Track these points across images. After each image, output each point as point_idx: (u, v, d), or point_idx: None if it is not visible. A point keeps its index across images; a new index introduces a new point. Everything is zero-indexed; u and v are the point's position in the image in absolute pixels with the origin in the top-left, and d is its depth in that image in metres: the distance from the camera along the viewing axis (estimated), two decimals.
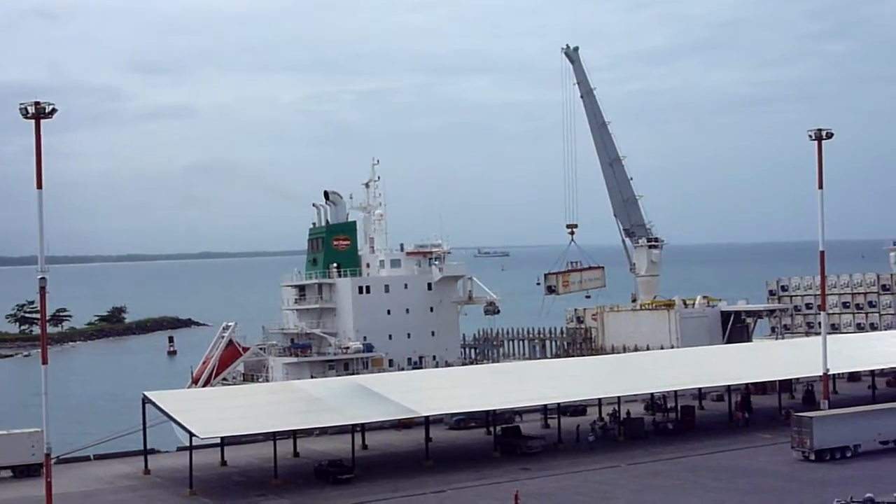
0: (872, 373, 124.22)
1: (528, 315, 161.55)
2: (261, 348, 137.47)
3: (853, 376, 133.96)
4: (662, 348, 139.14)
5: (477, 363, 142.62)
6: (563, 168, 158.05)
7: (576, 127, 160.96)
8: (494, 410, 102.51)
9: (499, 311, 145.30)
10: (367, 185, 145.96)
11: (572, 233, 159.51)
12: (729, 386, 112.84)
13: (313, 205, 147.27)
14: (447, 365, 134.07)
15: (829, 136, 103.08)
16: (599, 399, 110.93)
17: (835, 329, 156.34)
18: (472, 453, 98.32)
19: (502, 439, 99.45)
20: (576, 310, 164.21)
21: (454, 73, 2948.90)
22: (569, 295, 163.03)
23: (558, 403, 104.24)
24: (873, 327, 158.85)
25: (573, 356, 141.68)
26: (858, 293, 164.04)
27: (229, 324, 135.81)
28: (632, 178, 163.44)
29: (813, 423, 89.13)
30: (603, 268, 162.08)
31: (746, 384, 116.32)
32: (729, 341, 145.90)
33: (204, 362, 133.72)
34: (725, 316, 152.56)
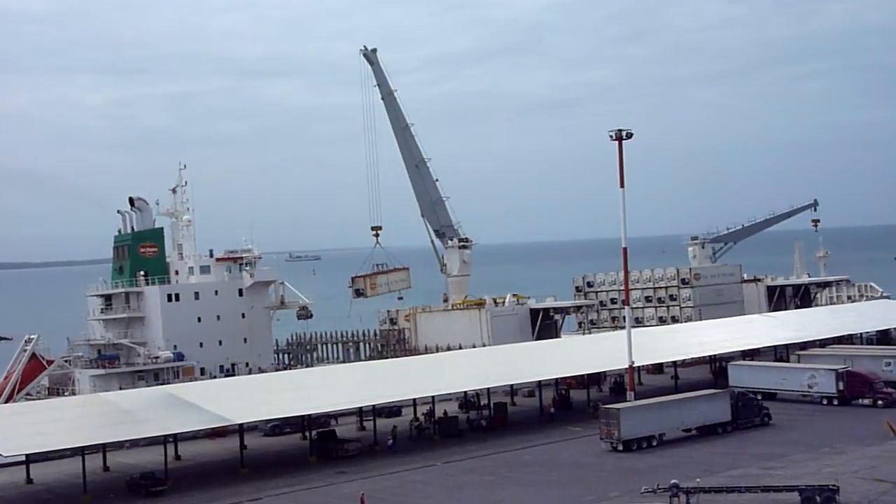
0: (674, 363, 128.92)
1: (341, 318, 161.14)
2: (66, 361, 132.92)
3: (656, 367, 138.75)
4: (475, 347, 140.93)
5: (291, 368, 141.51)
6: (367, 170, 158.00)
7: (379, 129, 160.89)
8: (309, 415, 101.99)
9: (311, 316, 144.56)
10: (174, 191, 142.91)
11: (377, 235, 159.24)
12: (539, 381, 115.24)
13: (118, 212, 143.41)
14: (260, 371, 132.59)
15: (629, 136, 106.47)
16: (414, 399, 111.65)
17: (638, 323, 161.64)
18: (288, 459, 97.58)
19: (318, 444, 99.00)
20: (389, 311, 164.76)
21: (263, 76, 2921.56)
22: (377, 297, 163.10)
23: (373, 405, 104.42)
24: (674, 320, 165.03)
25: (387, 358, 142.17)
26: (660, 287, 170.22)
27: (32, 336, 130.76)
28: (437, 180, 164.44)
29: (620, 415, 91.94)
30: (408, 269, 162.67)
31: (557, 379, 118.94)
32: (538, 338, 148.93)
33: (6, 377, 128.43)
34: (535, 313, 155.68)
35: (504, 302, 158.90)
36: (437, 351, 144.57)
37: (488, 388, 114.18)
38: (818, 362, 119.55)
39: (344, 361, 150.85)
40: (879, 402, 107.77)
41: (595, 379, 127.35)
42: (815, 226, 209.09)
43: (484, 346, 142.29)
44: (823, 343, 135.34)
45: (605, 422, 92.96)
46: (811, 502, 66.47)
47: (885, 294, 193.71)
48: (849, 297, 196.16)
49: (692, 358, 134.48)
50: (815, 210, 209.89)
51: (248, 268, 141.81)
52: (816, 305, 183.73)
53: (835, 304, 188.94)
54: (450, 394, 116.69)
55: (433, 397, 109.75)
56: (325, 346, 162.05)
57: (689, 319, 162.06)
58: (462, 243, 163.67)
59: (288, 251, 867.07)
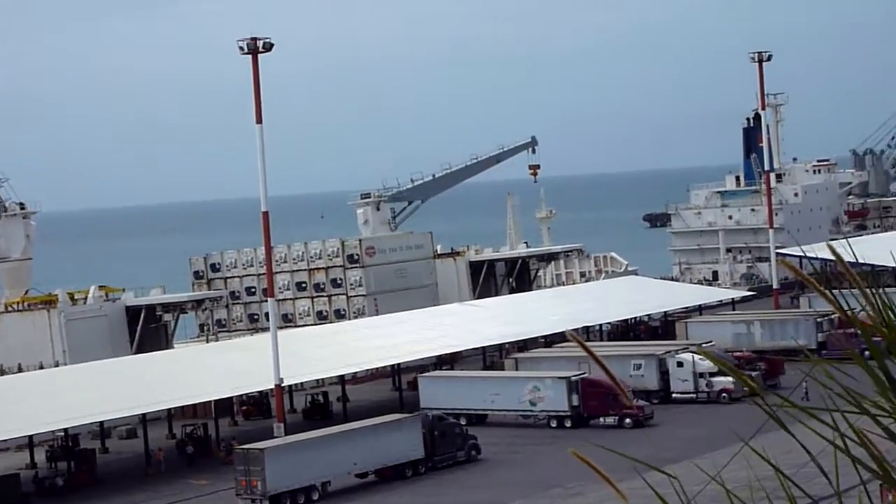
0: (342, 379, 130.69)
1: None
2: None
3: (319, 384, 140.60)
4: (42, 367, 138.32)
5: None
6: None
7: None
8: None
9: None
10: None
11: None
12: (144, 415, 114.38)
13: None
14: None
15: (269, 47, 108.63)
16: None
17: (289, 322, 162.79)
18: None
19: None
20: None
21: None
22: None
23: None
24: (340, 315, 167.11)
25: None
26: (318, 269, 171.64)
27: None
28: None
29: (264, 458, 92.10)
30: None
31: (169, 411, 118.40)
32: (140, 349, 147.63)
33: None
34: (133, 313, 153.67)
35: (86, 298, 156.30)
36: None
37: (66, 430, 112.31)
38: (543, 368, 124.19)
39: None
40: (627, 420, 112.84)
41: (226, 407, 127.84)
42: (535, 175, 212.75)
43: (57, 364, 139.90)
44: (550, 341, 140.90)
45: (242, 469, 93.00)
46: None
47: (630, 268, 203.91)
48: (582, 275, 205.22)
49: (366, 370, 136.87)
50: (534, 152, 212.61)
51: None
52: (539, 287, 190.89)
53: (564, 284, 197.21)
54: (6, 441, 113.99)
55: None
56: None
57: (360, 314, 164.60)
58: (24, 211, 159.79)
59: None
